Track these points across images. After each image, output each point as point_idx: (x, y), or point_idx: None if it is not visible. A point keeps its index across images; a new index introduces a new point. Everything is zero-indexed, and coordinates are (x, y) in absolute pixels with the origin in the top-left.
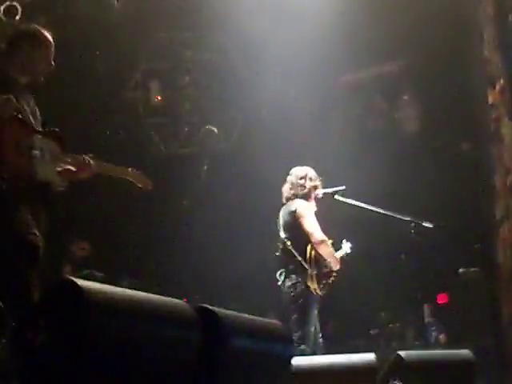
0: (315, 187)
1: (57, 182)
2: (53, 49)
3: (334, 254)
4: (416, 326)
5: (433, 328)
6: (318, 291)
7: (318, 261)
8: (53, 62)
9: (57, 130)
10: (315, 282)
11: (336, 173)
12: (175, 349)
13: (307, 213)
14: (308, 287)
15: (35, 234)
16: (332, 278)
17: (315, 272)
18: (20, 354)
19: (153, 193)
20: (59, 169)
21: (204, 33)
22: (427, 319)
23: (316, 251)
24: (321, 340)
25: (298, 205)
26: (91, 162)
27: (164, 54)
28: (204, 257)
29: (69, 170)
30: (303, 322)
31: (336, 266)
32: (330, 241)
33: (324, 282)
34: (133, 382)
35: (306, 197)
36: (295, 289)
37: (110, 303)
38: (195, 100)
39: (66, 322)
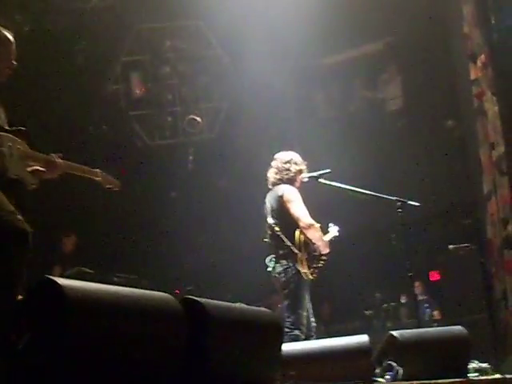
0: (300, 171)
1: (28, 179)
2: (13, 47)
3: (322, 238)
4: (410, 304)
5: (426, 305)
6: (308, 275)
7: (308, 245)
8: (14, 61)
9: (23, 128)
10: (306, 266)
11: (320, 156)
12: (161, 342)
13: (294, 197)
14: (299, 272)
15: (22, 220)
16: (322, 262)
17: (305, 256)
18: (3, 356)
19: (140, 185)
20: (29, 168)
21: (183, 21)
22: (420, 297)
23: (305, 235)
24: (314, 324)
25: (285, 190)
26: (59, 161)
27: (143, 45)
28: (194, 248)
29: (37, 169)
30: (295, 306)
31: (325, 250)
32: (318, 225)
33: (314, 266)
34: (118, 379)
35: (291, 181)
36: (286, 274)
37: (91, 301)
38: (177, 90)
39: (48, 322)
